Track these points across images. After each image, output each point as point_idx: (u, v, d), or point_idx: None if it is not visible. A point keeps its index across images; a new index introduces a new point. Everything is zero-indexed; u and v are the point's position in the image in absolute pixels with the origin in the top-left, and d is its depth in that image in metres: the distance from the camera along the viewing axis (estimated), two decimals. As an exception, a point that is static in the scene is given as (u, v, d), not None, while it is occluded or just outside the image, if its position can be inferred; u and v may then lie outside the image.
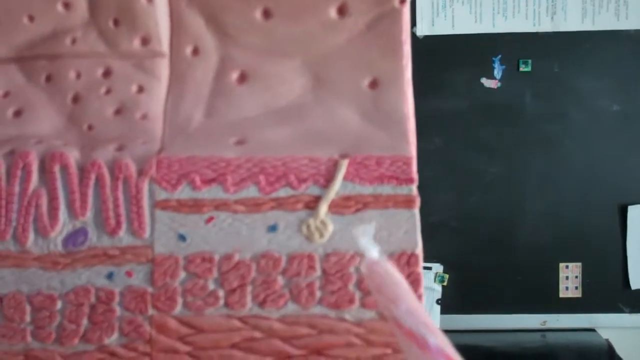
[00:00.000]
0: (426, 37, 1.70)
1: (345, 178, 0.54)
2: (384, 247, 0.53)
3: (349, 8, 0.57)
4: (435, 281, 1.72)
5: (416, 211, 0.54)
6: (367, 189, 0.54)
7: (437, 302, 1.72)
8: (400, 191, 0.54)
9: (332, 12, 0.58)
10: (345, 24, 0.58)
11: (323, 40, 0.58)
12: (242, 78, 0.58)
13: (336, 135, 0.57)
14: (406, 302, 0.42)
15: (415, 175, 0.55)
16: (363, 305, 0.53)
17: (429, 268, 1.71)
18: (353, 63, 0.58)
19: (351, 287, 0.53)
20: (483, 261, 1.75)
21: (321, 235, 0.54)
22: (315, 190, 0.54)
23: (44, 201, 0.55)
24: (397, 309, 0.41)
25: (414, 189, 0.55)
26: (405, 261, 0.53)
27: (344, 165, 0.55)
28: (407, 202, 0.54)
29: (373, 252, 0.45)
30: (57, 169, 0.55)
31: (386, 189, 0.54)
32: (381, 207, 0.54)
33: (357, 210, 0.54)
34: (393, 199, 0.54)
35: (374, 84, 0.58)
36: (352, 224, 0.54)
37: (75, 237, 0.54)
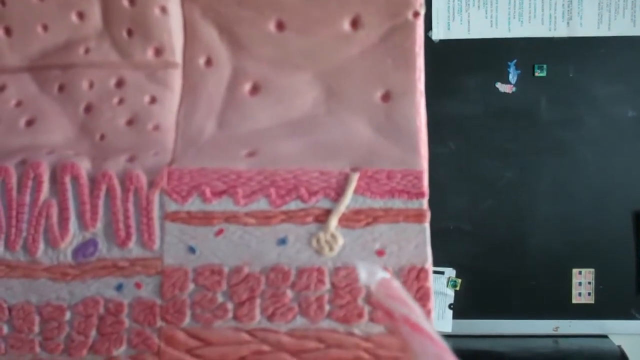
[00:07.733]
0: (442, 41, 1.69)
1: (356, 192, 0.54)
2: (393, 261, 0.53)
3: (362, 21, 0.57)
4: (447, 286, 1.71)
5: (426, 225, 0.54)
6: (377, 203, 0.54)
7: (450, 306, 1.71)
8: (411, 205, 0.54)
9: (346, 25, 0.57)
10: (358, 37, 0.57)
11: (336, 52, 0.58)
12: (255, 90, 0.58)
13: (348, 148, 0.56)
14: (419, 310, 0.46)
15: (426, 189, 0.55)
16: (372, 319, 0.53)
17: (442, 272, 1.70)
18: (366, 75, 0.58)
19: (360, 301, 0.53)
20: (496, 266, 1.74)
21: (331, 249, 0.54)
22: (325, 204, 0.54)
23: (54, 212, 0.55)
24: (414, 313, 0.45)
25: (424, 203, 0.54)
26: (415, 275, 0.53)
27: (355, 178, 0.54)
28: (418, 217, 0.54)
29: (383, 272, 0.51)
30: (68, 179, 0.55)
31: (397, 203, 0.54)
32: (391, 221, 0.54)
33: (368, 224, 0.54)
34: (404, 213, 0.54)
35: (386, 97, 0.57)
36: (361, 237, 0.54)
37: (85, 248, 0.54)
